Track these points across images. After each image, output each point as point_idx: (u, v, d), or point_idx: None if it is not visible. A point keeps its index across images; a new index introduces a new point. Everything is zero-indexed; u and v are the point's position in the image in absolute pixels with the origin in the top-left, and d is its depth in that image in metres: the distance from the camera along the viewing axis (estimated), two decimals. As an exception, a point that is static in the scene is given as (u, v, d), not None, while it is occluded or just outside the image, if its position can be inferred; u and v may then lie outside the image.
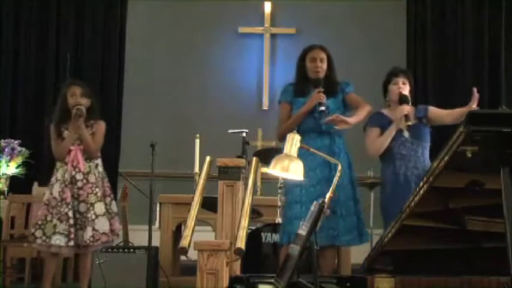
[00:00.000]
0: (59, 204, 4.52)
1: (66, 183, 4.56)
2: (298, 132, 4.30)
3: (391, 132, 4.19)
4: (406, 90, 4.27)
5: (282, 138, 4.64)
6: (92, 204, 4.55)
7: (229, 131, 5.44)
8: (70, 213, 4.49)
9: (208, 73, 7.56)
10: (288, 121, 4.35)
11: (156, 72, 7.53)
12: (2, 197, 6.03)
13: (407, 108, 4.15)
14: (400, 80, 4.28)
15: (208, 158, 3.97)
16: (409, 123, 4.12)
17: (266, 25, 7.63)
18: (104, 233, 4.55)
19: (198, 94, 7.54)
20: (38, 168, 6.42)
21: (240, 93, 7.53)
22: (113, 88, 7.11)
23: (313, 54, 4.38)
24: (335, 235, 4.11)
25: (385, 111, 4.33)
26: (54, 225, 4.48)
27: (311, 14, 7.59)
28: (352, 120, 4.19)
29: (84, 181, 4.58)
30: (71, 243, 4.48)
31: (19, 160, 6.23)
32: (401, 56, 7.06)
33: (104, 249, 5.11)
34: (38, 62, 7.08)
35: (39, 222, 4.55)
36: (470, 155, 1.68)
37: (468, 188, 1.90)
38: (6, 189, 6.12)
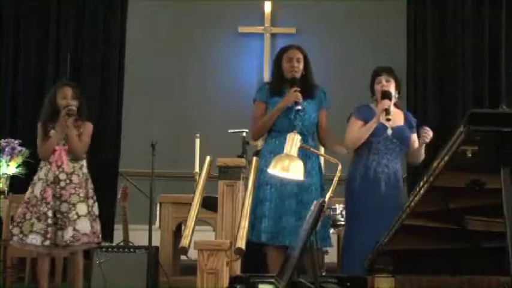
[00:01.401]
0: (39, 203, 4.51)
1: (49, 182, 4.55)
2: (273, 131, 4.34)
3: (370, 126, 4.20)
4: (390, 88, 4.28)
5: (257, 137, 4.69)
6: (74, 205, 4.53)
7: (229, 131, 5.44)
8: (49, 213, 4.48)
9: (208, 73, 7.55)
10: (263, 119, 4.36)
11: (156, 72, 7.53)
12: (2, 196, 6.03)
13: (387, 103, 4.16)
14: (383, 78, 4.29)
15: (208, 158, 3.97)
16: (389, 117, 4.11)
17: (266, 25, 7.63)
18: (84, 234, 4.52)
19: (198, 94, 7.54)
20: (38, 168, 6.41)
21: (240, 93, 7.52)
22: (113, 88, 7.10)
23: (289, 54, 4.40)
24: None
25: (372, 105, 4.34)
26: (32, 224, 4.48)
27: (311, 14, 7.59)
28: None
29: (67, 181, 4.57)
30: (47, 242, 4.46)
31: (19, 160, 6.22)
32: (402, 56, 7.05)
33: (104, 249, 5.12)
34: (38, 62, 7.07)
35: (18, 220, 4.56)
36: (470, 155, 1.68)
37: (468, 188, 1.90)
38: (6, 189, 6.12)
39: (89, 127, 4.73)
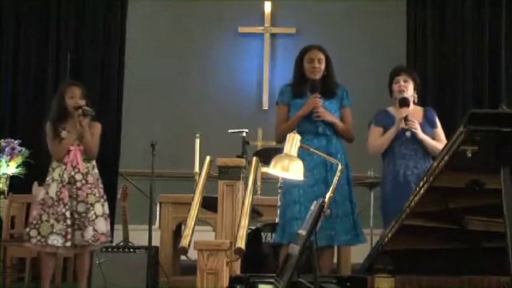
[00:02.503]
0: (56, 204, 4.51)
1: (64, 183, 4.55)
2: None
3: (391, 133, 4.21)
4: (408, 89, 4.28)
5: (281, 141, 4.67)
6: (92, 205, 4.55)
7: (229, 131, 5.44)
8: (67, 214, 4.48)
9: (208, 73, 7.55)
10: (286, 124, 4.37)
11: (156, 72, 7.53)
12: (2, 197, 6.03)
13: (406, 111, 4.17)
14: (401, 79, 4.30)
15: (208, 158, 3.96)
16: (408, 125, 4.14)
17: (266, 25, 7.63)
18: (102, 234, 4.56)
19: (198, 94, 7.54)
20: (38, 168, 6.41)
21: (240, 93, 7.53)
22: (113, 88, 7.10)
23: (311, 54, 4.38)
24: (333, 235, 4.12)
25: (390, 109, 4.35)
26: (51, 225, 4.47)
27: (311, 14, 7.59)
28: (339, 123, 4.29)
29: (83, 181, 4.58)
30: (68, 243, 4.47)
31: (19, 160, 6.23)
32: (402, 56, 7.05)
33: (104, 249, 5.12)
34: (38, 62, 7.07)
35: (34, 222, 4.54)
36: (470, 155, 1.68)
37: (468, 188, 1.90)
38: (6, 189, 6.12)
39: (98, 127, 4.74)
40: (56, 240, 4.46)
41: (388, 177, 4.24)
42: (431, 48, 7.08)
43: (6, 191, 6.08)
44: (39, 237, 4.49)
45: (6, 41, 7.08)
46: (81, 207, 4.54)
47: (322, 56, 4.38)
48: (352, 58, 7.31)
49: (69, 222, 4.48)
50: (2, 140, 6.29)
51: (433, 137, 4.28)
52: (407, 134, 4.19)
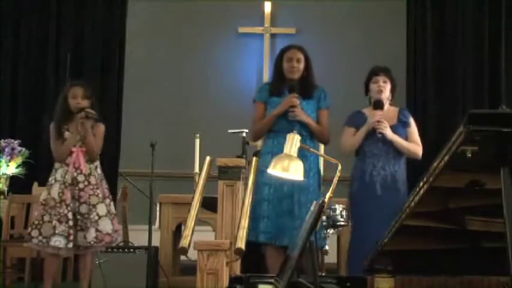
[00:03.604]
0: (58, 205, 4.50)
1: (66, 184, 4.54)
2: (271, 132, 4.36)
3: (362, 132, 4.27)
4: (386, 89, 4.30)
5: (256, 138, 4.72)
6: (94, 206, 4.54)
7: (229, 131, 5.44)
8: (70, 215, 4.48)
9: (208, 73, 7.55)
10: (261, 122, 4.39)
11: (156, 72, 7.53)
12: (2, 197, 6.03)
13: (379, 114, 4.18)
14: (381, 79, 4.31)
15: (208, 158, 3.97)
16: (376, 127, 4.17)
17: (266, 25, 7.63)
18: (107, 234, 4.55)
19: (198, 94, 7.54)
20: (38, 168, 6.42)
21: (240, 93, 7.52)
22: (113, 88, 7.11)
23: (289, 54, 4.40)
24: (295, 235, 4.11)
25: (364, 110, 4.37)
26: (54, 226, 4.47)
27: (311, 14, 7.59)
28: (313, 124, 4.30)
29: (86, 183, 4.57)
30: (70, 244, 4.46)
31: (19, 160, 6.23)
32: (401, 56, 7.06)
33: (103, 249, 5.12)
34: (38, 62, 7.07)
35: (36, 222, 4.54)
36: (470, 155, 1.68)
37: (468, 188, 1.90)
38: (6, 189, 6.12)
39: (101, 128, 4.72)
40: (58, 242, 4.46)
41: (356, 175, 4.28)
42: (431, 48, 7.08)
43: (6, 191, 6.08)
44: (40, 238, 4.49)
45: (6, 41, 7.08)
46: (83, 209, 4.53)
47: (301, 56, 4.39)
48: (352, 58, 7.31)
49: (71, 223, 4.47)
50: (2, 140, 6.29)
51: (407, 137, 4.30)
52: (378, 134, 4.20)
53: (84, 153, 4.61)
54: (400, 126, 4.29)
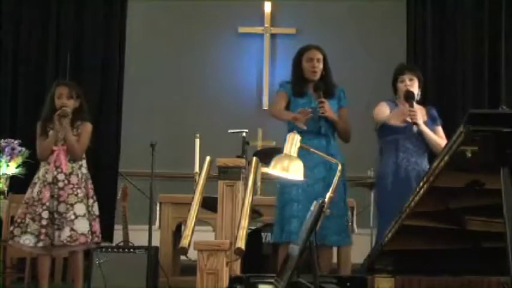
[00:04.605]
0: (36, 203, 4.50)
1: (45, 183, 4.53)
2: (298, 133, 4.34)
3: (394, 114, 4.25)
4: (414, 87, 4.29)
5: (273, 115, 4.70)
6: (72, 205, 4.51)
7: (229, 131, 5.44)
8: (44, 214, 4.45)
9: (208, 73, 7.55)
10: (281, 111, 4.40)
11: (156, 72, 7.53)
12: (2, 197, 6.03)
13: (412, 105, 4.16)
14: (407, 77, 4.31)
15: (208, 158, 3.97)
16: (411, 116, 4.14)
17: (266, 25, 7.63)
18: (82, 234, 4.49)
19: (198, 94, 7.54)
20: (38, 168, 6.41)
21: (240, 93, 7.52)
22: (113, 88, 7.11)
23: (309, 54, 4.40)
24: (325, 234, 4.10)
25: (398, 102, 4.36)
26: (27, 225, 4.47)
27: (311, 14, 7.59)
28: (340, 122, 4.34)
29: (66, 182, 4.55)
30: (40, 244, 4.44)
31: (19, 160, 6.22)
32: (401, 56, 7.05)
33: (103, 249, 5.12)
34: (38, 62, 7.07)
35: (18, 221, 4.54)
36: (470, 155, 1.68)
37: (468, 188, 1.90)
38: (6, 189, 6.12)
39: (87, 127, 4.70)
40: (28, 240, 4.45)
41: (390, 169, 4.22)
42: (431, 48, 7.08)
43: (6, 191, 6.08)
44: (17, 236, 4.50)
45: (6, 40, 7.08)
46: (61, 208, 4.50)
47: (320, 56, 4.41)
48: (351, 58, 7.31)
49: (44, 222, 4.44)
50: (2, 140, 6.29)
51: (434, 133, 4.30)
52: (415, 129, 4.17)
53: (66, 152, 4.59)
54: (430, 123, 4.30)
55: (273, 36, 7.63)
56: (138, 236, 5.65)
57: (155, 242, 5.44)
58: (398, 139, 4.23)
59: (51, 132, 4.62)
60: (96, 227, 4.64)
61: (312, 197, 4.19)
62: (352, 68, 7.10)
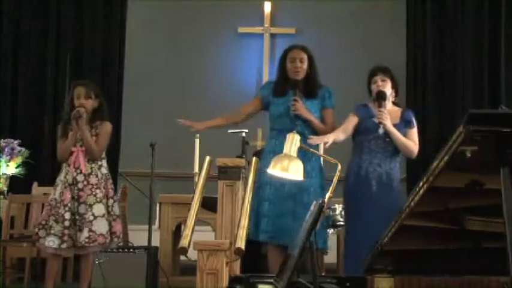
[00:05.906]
0: (58, 205, 4.50)
1: (66, 184, 4.54)
2: (274, 131, 4.36)
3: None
4: (386, 88, 4.30)
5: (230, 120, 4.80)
6: (91, 206, 4.51)
7: (229, 131, 5.44)
8: (66, 215, 4.46)
9: (208, 73, 7.56)
10: (242, 109, 4.63)
11: (156, 72, 7.53)
12: (1, 197, 6.03)
13: (383, 115, 4.17)
14: (379, 78, 4.32)
15: (208, 158, 3.97)
16: (378, 116, 4.18)
17: (266, 25, 7.63)
18: (101, 235, 4.48)
19: (198, 94, 7.54)
20: (38, 168, 6.42)
21: (240, 93, 7.51)
22: (113, 88, 7.10)
23: (292, 54, 4.40)
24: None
25: (370, 104, 4.37)
26: (50, 226, 4.47)
27: (311, 14, 7.59)
28: (316, 122, 4.32)
29: (85, 182, 4.55)
30: (64, 245, 4.44)
31: (19, 160, 6.22)
32: (401, 56, 7.06)
33: (103, 249, 5.11)
34: (38, 62, 7.07)
35: (43, 222, 4.54)
36: (469, 155, 1.68)
37: (468, 188, 1.90)
38: (6, 189, 6.12)
39: (105, 127, 4.68)
40: (52, 242, 4.44)
41: (352, 169, 4.26)
42: (431, 49, 7.08)
43: (6, 191, 6.08)
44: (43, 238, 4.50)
45: (6, 40, 7.08)
46: (81, 209, 4.51)
47: (304, 56, 4.39)
48: (352, 58, 7.31)
49: (67, 223, 4.45)
50: (2, 140, 6.28)
51: (406, 136, 4.29)
52: (380, 131, 4.19)
53: (85, 153, 4.60)
54: (402, 126, 4.29)
55: (273, 36, 7.64)
56: (138, 236, 5.65)
57: (155, 242, 5.43)
58: (363, 140, 4.25)
59: (70, 134, 4.62)
60: (117, 227, 4.61)
61: (283, 196, 4.22)
62: (351, 68, 7.09)
